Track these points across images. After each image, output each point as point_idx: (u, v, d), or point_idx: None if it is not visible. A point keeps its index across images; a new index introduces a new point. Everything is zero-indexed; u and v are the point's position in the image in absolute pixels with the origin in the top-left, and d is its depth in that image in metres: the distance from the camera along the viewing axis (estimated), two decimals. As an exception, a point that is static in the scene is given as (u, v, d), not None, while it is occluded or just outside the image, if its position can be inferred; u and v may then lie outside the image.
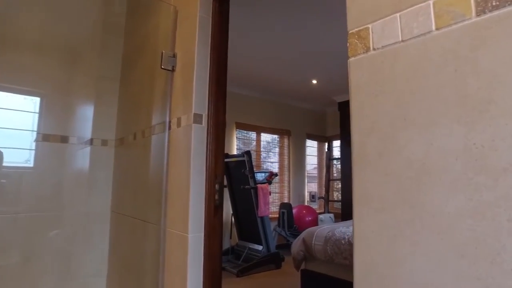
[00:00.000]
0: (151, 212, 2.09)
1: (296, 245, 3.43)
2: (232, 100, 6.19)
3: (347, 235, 3.10)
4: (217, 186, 1.77)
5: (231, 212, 5.42)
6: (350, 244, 2.99)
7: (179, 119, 1.88)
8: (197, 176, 1.72)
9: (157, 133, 2.10)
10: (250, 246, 5.16)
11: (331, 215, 5.92)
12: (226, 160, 5.21)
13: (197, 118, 1.75)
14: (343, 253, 3.02)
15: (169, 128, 1.96)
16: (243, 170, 4.84)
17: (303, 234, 3.43)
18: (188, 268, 1.67)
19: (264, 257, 4.87)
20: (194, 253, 1.69)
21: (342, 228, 3.30)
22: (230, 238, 5.41)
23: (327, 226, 3.48)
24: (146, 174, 2.22)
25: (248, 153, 4.84)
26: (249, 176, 4.83)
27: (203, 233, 1.71)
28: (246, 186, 4.75)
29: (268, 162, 6.32)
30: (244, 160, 4.84)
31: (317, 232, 3.32)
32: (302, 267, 3.49)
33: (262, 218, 4.92)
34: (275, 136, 6.49)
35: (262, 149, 6.23)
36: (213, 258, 1.74)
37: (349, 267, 3.03)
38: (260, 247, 5.01)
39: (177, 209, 1.80)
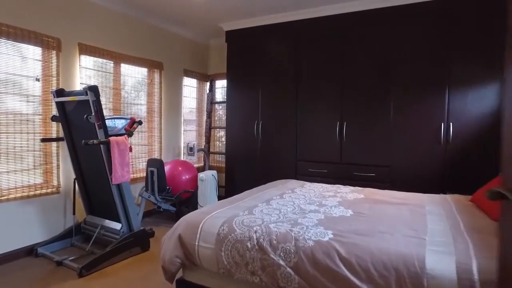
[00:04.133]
0: None
1: (169, 246, 1.93)
2: (70, 10, 3.70)
3: (255, 230, 1.74)
4: None
5: (74, 176, 3.56)
6: (262, 250, 1.66)
7: None
8: None
9: None
10: (103, 224, 3.46)
11: (214, 172, 4.57)
12: (59, 99, 3.23)
13: None
14: (250, 264, 1.68)
15: None
16: (86, 116, 2.98)
17: (180, 228, 1.93)
18: None
19: (124, 239, 3.27)
20: None
21: (245, 215, 1.94)
22: (74, 213, 3.60)
23: (218, 212, 2.04)
24: None
25: (93, 89, 2.95)
26: (96, 125, 3.00)
27: None
28: (91, 142, 2.93)
29: (132, 104, 4.47)
30: (88, 101, 2.97)
31: (203, 224, 1.87)
32: (179, 275, 2.06)
33: (119, 185, 3.24)
34: (143, 70, 4.59)
35: (123, 86, 4.31)
36: None
37: (260, 286, 1.73)
38: (118, 225, 3.37)
39: None
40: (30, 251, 3.32)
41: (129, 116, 3.49)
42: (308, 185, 3.05)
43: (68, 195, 3.66)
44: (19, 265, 3.15)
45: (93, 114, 2.96)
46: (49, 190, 3.53)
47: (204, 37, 5.48)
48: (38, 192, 3.44)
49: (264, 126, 4.49)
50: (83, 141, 2.89)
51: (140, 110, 4.58)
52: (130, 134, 3.28)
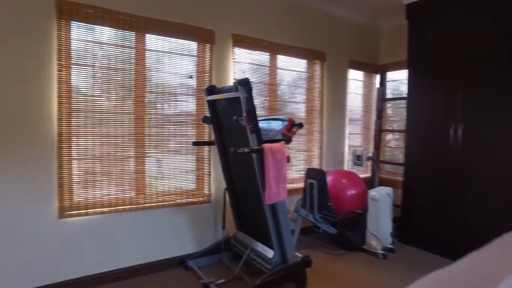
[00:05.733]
0: None
1: None
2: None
3: None
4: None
5: (224, 185, 3.02)
6: None
7: None
8: None
9: None
10: (254, 247, 2.81)
11: (389, 189, 3.39)
12: (210, 97, 2.70)
13: None
14: None
15: None
16: (236, 117, 2.33)
17: None
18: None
19: (276, 273, 2.52)
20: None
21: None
22: (224, 227, 3.08)
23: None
24: None
25: (244, 83, 2.27)
26: (247, 128, 2.32)
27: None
28: (241, 150, 2.25)
29: (289, 103, 3.74)
30: (239, 98, 2.31)
31: None
32: None
33: (273, 205, 2.50)
34: (301, 62, 3.81)
35: (279, 82, 3.62)
36: None
37: None
38: (270, 252, 2.64)
39: None
40: (181, 262, 2.96)
41: (286, 117, 2.72)
42: None
43: (218, 206, 3.16)
44: (169, 276, 2.83)
45: (244, 114, 2.29)
46: (200, 199, 3.11)
47: (374, 19, 4.31)
48: (190, 200, 3.06)
49: (466, 131, 3.06)
50: (232, 148, 2.24)
51: (297, 109, 3.80)
52: (288, 140, 2.49)
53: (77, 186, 2.54)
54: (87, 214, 2.56)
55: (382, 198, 3.22)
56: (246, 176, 2.69)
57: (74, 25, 2.46)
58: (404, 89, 4.37)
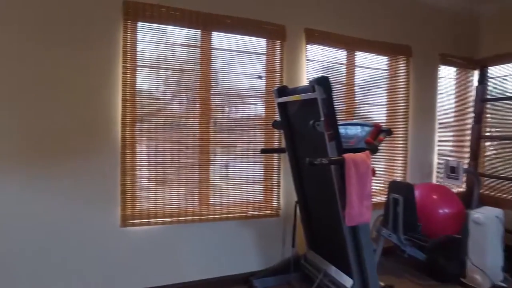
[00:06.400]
0: None
1: None
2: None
3: None
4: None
5: (296, 198, 2.68)
6: None
7: None
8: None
9: None
10: (328, 271, 2.41)
11: (498, 212, 2.73)
12: (281, 99, 2.39)
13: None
14: None
15: None
16: (313, 122, 1.97)
17: None
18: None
19: (356, 307, 2.11)
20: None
21: None
22: (293, 245, 2.73)
23: None
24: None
25: (323, 82, 1.90)
26: (325, 134, 1.95)
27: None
28: (318, 160, 1.88)
29: (367, 105, 3.27)
30: (316, 100, 1.95)
31: None
32: None
33: (354, 227, 2.08)
34: (383, 58, 3.31)
35: (357, 82, 3.16)
36: None
37: None
38: (348, 281, 2.23)
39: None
40: (245, 280, 2.69)
41: (370, 123, 2.29)
42: None
43: (288, 221, 2.83)
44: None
45: (322, 118, 1.92)
46: (267, 212, 2.81)
47: (471, 4, 3.62)
48: (256, 212, 2.77)
49: None
50: (307, 159, 1.88)
51: (378, 112, 3.31)
52: (374, 149, 2.06)
53: (140, 194, 2.41)
54: (148, 223, 2.41)
55: (489, 222, 2.59)
56: (322, 190, 2.32)
57: (140, 25, 2.34)
58: (509, 87, 3.62)
